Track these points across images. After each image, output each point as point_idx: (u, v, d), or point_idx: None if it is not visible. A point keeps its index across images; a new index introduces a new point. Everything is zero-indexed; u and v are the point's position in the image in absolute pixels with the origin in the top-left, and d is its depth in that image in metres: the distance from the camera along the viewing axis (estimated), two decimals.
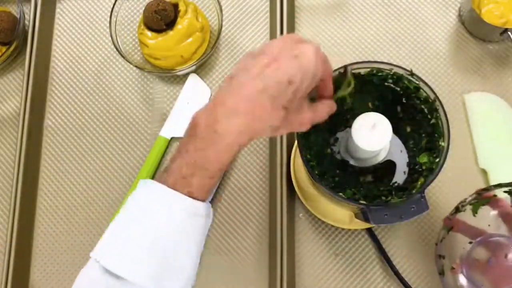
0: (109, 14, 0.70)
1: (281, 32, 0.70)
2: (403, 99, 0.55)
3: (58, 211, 0.71)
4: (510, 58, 0.72)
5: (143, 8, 0.70)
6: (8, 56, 0.74)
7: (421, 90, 0.53)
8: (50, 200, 0.71)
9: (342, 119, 0.57)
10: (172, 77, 0.74)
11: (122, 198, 0.70)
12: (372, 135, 0.49)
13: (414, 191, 0.51)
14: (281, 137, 0.67)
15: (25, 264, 0.69)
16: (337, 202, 0.55)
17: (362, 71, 0.54)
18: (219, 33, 0.70)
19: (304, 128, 0.44)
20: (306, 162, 0.51)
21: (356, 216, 0.58)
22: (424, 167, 0.53)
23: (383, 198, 0.52)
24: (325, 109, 0.46)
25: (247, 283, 0.66)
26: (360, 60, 0.54)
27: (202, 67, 0.74)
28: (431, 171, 0.51)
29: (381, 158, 0.55)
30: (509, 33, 0.66)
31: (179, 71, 0.70)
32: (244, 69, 0.39)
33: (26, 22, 0.75)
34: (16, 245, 0.66)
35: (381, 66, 0.53)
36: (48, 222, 0.71)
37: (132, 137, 0.73)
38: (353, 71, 0.53)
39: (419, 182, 0.52)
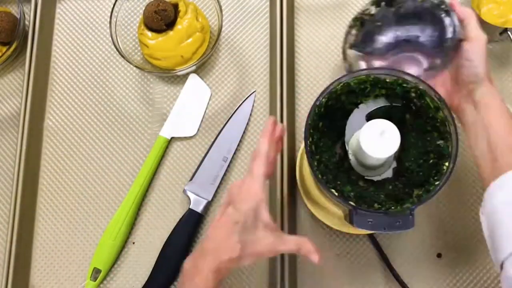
0: (109, 14, 0.70)
1: (281, 32, 0.70)
2: (418, 112, 0.55)
3: (58, 211, 0.71)
4: (510, 58, 0.72)
5: (143, 8, 0.71)
6: (8, 56, 0.74)
7: (441, 112, 0.52)
8: (50, 200, 0.71)
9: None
10: (172, 77, 0.74)
11: (122, 198, 0.70)
12: (380, 142, 0.49)
13: (406, 204, 0.50)
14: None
15: (25, 264, 0.69)
16: (334, 203, 0.55)
17: (388, 78, 0.53)
18: (219, 33, 0.70)
19: (269, 255, 0.51)
20: (310, 153, 0.52)
21: (345, 218, 0.57)
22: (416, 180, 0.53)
23: (376, 204, 0.51)
24: (292, 245, 0.51)
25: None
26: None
27: (202, 67, 0.74)
28: (427, 191, 0.51)
29: (388, 166, 0.55)
30: (508, 33, 0.66)
31: (179, 71, 0.70)
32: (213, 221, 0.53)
33: (26, 22, 0.75)
34: (16, 245, 0.66)
35: (408, 78, 0.53)
36: (48, 222, 0.71)
37: (132, 137, 0.73)
38: (378, 76, 0.53)
39: (415, 194, 0.51)
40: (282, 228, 0.63)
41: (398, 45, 0.63)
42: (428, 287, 0.65)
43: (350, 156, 0.55)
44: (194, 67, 0.71)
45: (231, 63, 0.74)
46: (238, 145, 0.71)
